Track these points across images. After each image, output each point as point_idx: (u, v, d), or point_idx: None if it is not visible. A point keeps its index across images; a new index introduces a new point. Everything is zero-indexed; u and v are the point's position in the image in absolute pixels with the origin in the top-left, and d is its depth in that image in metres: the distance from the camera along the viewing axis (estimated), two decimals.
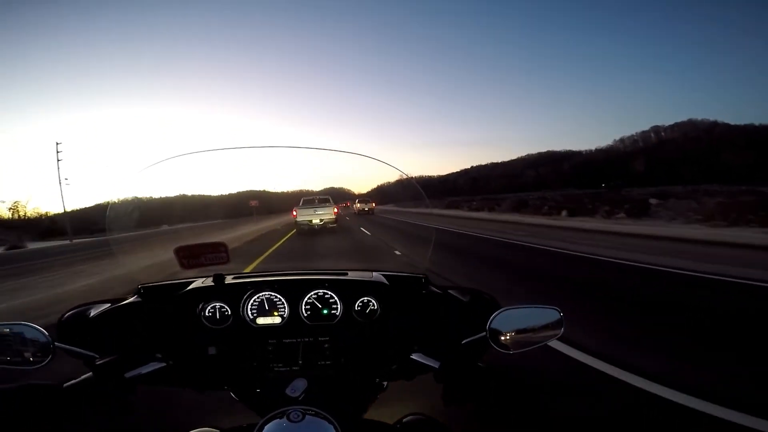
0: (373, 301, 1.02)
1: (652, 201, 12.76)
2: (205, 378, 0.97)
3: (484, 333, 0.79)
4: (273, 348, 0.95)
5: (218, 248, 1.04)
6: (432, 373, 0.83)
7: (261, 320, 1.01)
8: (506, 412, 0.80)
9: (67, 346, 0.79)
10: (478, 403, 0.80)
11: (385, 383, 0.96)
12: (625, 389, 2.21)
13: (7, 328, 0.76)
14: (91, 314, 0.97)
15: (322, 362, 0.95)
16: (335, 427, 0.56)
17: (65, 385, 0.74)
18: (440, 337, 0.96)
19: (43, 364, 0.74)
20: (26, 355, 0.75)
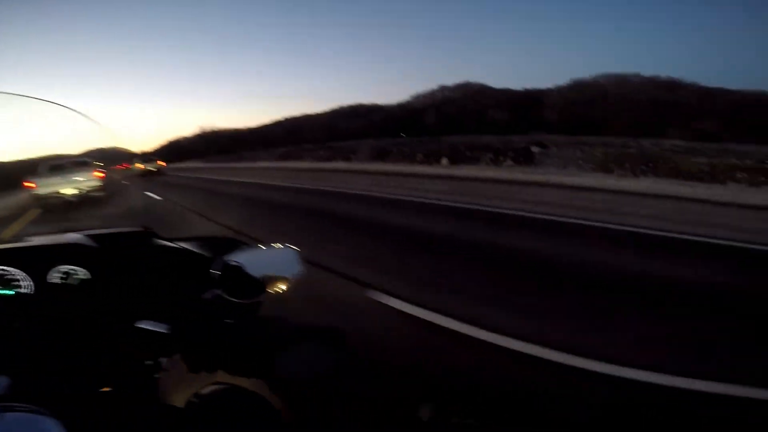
0: (73, 268, 0.84)
1: (534, 149, 12.33)
2: None
3: (218, 284, 0.74)
4: None
5: None
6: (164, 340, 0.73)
7: None
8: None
9: None
10: (227, 364, 0.74)
11: (112, 359, 0.75)
12: None
13: None
14: None
15: (18, 351, 0.72)
16: (51, 420, 0.44)
17: None
18: (171, 298, 0.82)
19: None
20: None
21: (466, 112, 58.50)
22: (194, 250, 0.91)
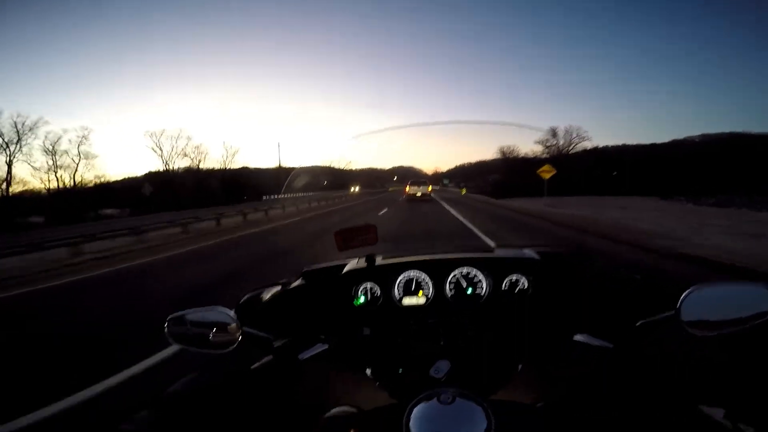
0: (523, 278, 0.99)
1: None
2: (356, 358, 0.97)
3: (672, 312, 0.67)
4: (417, 328, 0.94)
5: (368, 230, 1.10)
6: (597, 355, 0.78)
7: (407, 300, 1.03)
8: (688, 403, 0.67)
9: (250, 330, 0.80)
10: (655, 389, 0.74)
11: (520, 366, 0.89)
12: None
13: (202, 313, 0.77)
14: (264, 298, 1.04)
15: (465, 343, 0.90)
16: (484, 410, 0.52)
17: (252, 367, 0.83)
18: (608, 318, 0.86)
19: (232, 347, 0.75)
20: (218, 339, 0.76)
21: None
22: (630, 275, 0.97)
